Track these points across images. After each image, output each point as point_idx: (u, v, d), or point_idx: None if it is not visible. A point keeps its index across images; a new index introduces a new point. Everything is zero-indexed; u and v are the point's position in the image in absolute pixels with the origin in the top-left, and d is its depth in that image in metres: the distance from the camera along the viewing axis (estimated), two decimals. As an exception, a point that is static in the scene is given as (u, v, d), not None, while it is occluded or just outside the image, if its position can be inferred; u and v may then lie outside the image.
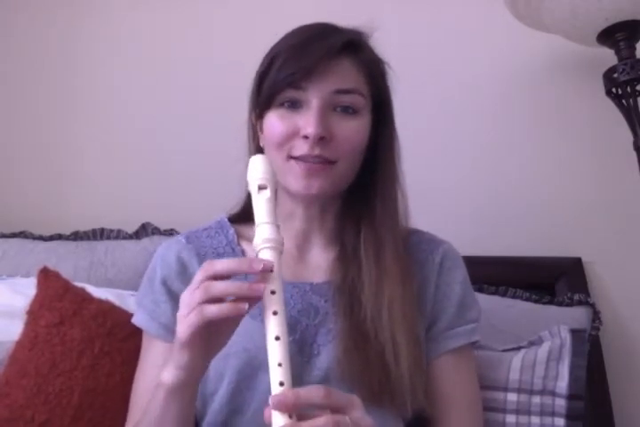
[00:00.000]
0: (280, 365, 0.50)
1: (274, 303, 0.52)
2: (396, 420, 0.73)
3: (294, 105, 0.71)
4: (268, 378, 0.65)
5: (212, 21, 1.56)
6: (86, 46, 1.60)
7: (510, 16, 1.23)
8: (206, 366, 0.60)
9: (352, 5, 1.44)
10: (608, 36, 1.12)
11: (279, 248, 0.55)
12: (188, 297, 0.54)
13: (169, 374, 0.58)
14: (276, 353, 0.50)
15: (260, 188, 0.58)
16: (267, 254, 0.54)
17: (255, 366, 0.71)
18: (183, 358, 0.56)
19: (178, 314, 0.55)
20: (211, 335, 0.56)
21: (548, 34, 1.24)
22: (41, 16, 1.63)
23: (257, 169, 0.59)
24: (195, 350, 0.56)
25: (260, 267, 0.52)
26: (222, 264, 0.54)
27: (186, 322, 0.53)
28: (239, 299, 0.52)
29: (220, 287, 0.52)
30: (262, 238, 0.54)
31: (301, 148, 0.70)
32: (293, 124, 0.71)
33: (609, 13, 1.08)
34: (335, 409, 0.49)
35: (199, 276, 0.54)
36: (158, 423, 0.61)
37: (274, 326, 0.51)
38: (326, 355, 0.71)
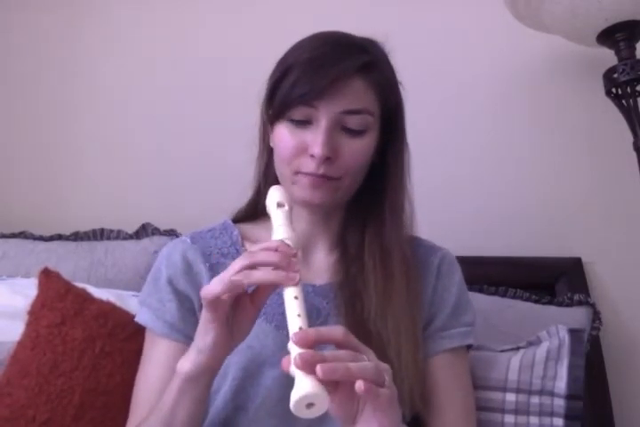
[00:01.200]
0: (299, 315, 0.55)
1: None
2: None
3: (304, 121, 0.73)
4: (272, 374, 0.70)
5: (213, 22, 1.56)
6: (86, 46, 1.60)
7: (510, 16, 1.23)
8: (225, 354, 0.63)
9: (353, 6, 1.45)
10: (608, 36, 1.13)
11: (294, 241, 0.62)
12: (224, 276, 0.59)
13: (187, 362, 0.62)
14: (294, 307, 0.56)
15: (279, 205, 0.67)
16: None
17: (259, 363, 0.72)
18: (206, 339, 0.60)
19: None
20: (232, 320, 0.61)
21: (548, 34, 1.24)
22: (41, 16, 1.63)
23: (275, 194, 0.69)
24: (218, 331, 0.60)
25: (292, 251, 0.59)
26: (261, 256, 0.59)
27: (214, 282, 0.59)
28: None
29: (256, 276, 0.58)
30: (280, 236, 0.62)
31: (308, 166, 0.72)
32: (302, 141, 0.73)
33: (609, 13, 1.09)
34: (353, 350, 0.52)
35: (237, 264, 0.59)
36: (169, 417, 0.63)
37: (291, 290, 0.57)
38: None
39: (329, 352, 0.50)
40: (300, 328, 0.54)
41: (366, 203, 0.80)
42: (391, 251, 0.76)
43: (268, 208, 0.69)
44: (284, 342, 0.56)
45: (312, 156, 0.71)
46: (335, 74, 0.70)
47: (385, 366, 0.54)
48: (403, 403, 0.68)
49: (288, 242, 0.61)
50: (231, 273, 0.58)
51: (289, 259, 0.59)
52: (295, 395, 0.47)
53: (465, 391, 0.78)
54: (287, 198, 0.68)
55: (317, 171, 0.71)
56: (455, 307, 0.80)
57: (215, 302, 0.58)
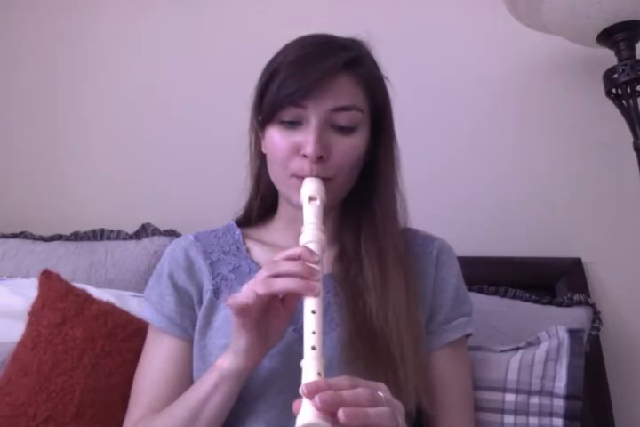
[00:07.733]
0: (314, 333, 0.56)
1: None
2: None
3: (294, 122, 0.73)
4: (270, 366, 0.71)
5: (217, 24, 1.56)
6: (92, 44, 1.60)
7: (510, 16, 1.23)
8: (261, 356, 0.66)
9: (352, 6, 1.45)
10: (608, 36, 1.13)
11: (321, 243, 0.64)
12: (251, 285, 0.61)
13: (226, 361, 0.66)
14: (310, 322, 0.57)
15: (311, 198, 0.68)
16: (311, 247, 0.63)
17: None
18: (240, 343, 0.64)
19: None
20: (264, 324, 0.64)
21: (547, 34, 1.24)
22: (45, 12, 1.63)
23: (308, 187, 0.70)
24: (249, 335, 0.63)
25: (316, 259, 0.61)
26: (284, 266, 0.61)
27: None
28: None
29: (280, 283, 0.60)
30: (307, 238, 0.64)
31: (302, 168, 0.72)
32: (293, 142, 0.73)
33: (609, 14, 1.09)
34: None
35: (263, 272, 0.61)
36: (198, 409, 0.67)
37: (311, 302, 0.58)
38: (330, 343, 0.72)
39: (347, 392, 0.49)
40: (313, 347, 0.55)
41: (360, 202, 0.80)
42: (386, 250, 0.76)
43: (301, 199, 0.69)
44: None
45: (305, 156, 0.71)
46: (321, 72, 0.71)
47: (397, 402, 0.54)
48: (408, 398, 0.68)
49: (313, 245, 0.62)
50: (256, 282, 0.61)
51: (311, 268, 0.60)
52: (300, 422, 0.49)
53: (467, 382, 0.80)
54: (321, 191, 0.69)
55: (311, 173, 0.72)
56: (456, 298, 0.81)
57: (243, 310, 0.61)
